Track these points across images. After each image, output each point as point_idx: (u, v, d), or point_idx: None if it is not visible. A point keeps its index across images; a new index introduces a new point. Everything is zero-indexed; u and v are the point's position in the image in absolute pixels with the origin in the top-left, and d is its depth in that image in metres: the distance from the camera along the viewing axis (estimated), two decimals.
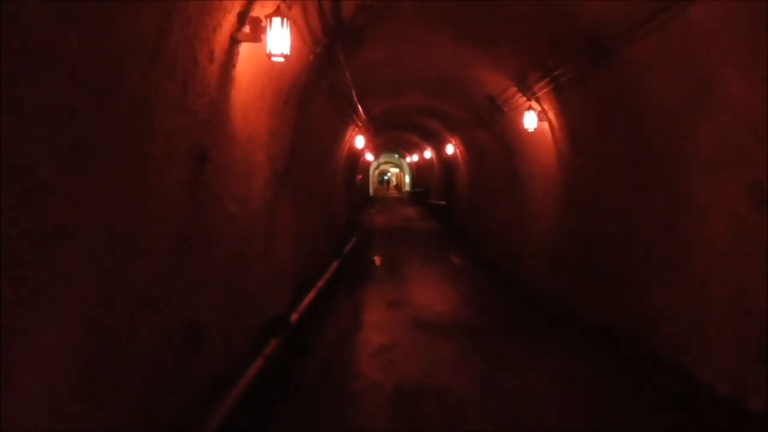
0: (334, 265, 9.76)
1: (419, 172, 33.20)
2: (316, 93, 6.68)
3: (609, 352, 5.88)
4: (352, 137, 11.54)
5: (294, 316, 5.55)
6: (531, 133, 8.36)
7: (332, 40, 5.43)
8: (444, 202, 20.76)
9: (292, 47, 3.66)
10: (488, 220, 12.84)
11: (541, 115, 7.74)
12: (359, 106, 9.69)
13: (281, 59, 3.57)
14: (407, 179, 46.12)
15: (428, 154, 23.53)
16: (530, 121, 7.68)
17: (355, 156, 14.84)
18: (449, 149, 16.30)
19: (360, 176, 23.68)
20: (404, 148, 32.08)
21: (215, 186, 3.55)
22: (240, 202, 4.08)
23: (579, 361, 5.77)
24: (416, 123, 17.22)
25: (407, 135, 22.92)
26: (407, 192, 43.27)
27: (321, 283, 7.50)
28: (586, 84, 6.18)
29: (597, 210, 6.69)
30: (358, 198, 22.45)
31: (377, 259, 13.00)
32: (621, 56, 5.18)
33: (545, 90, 7.21)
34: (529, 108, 7.68)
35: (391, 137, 24.40)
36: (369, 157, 26.41)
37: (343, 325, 7.22)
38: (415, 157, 30.72)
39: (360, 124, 11.00)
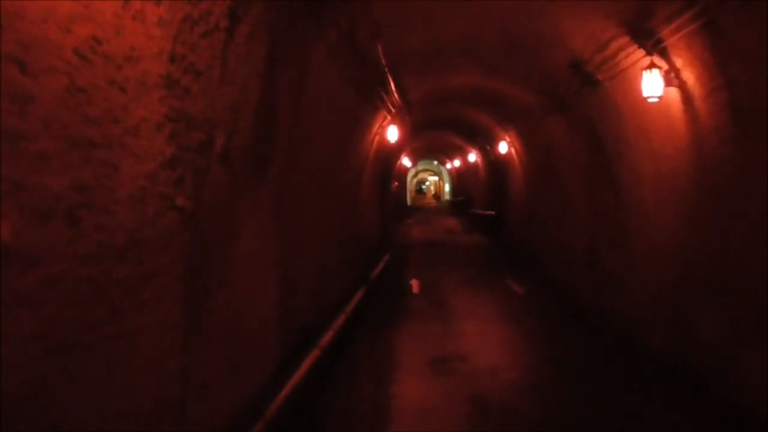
0: (357, 296, 7.21)
1: (460, 179, 30.40)
2: (316, 36, 4.14)
3: None
4: (383, 127, 8.93)
5: None
6: (643, 109, 5.65)
7: None
8: (492, 212, 17.93)
9: None
10: (558, 236, 10.01)
11: (668, 77, 5.01)
12: (391, 81, 7.12)
13: None
14: (447, 187, 43.26)
15: (473, 157, 20.79)
16: (652, 86, 4.98)
17: (389, 153, 12.20)
18: (502, 148, 13.54)
19: (396, 182, 21.11)
20: (444, 153, 29.43)
21: None
22: (45, 214, 1.56)
23: None
24: (461, 118, 14.56)
25: (449, 136, 20.27)
26: (447, 201, 40.46)
27: (328, 336, 4.92)
28: None
29: None
30: (394, 207, 19.88)
31: (414, 284, 10.35)
32: None
33: (682, 32, 4.49)
34: (651, 66, 4.96)
35: (430, 139, 21.77)
36: (406, 162, 23.84)
37: (358, 415, 4.56)
38: (456, 162, 27.92)
39: (393, 109, 8.40)
